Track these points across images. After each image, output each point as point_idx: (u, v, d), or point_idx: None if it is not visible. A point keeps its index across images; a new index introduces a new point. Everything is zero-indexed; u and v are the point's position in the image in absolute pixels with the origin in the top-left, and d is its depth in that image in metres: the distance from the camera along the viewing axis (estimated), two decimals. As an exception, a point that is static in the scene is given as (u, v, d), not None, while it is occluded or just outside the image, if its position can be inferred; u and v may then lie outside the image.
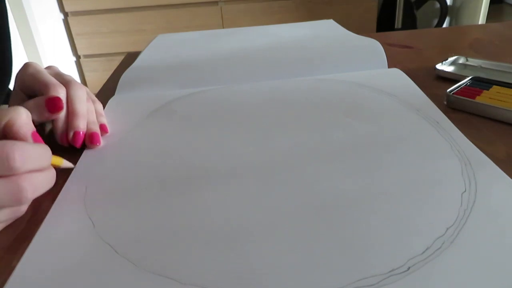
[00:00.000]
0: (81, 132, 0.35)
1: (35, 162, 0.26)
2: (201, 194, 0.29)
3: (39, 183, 0.26)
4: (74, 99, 0.36)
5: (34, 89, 0.36)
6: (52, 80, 0.35)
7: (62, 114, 0.35)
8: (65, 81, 0.36)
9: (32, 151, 0.26)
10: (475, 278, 0.21)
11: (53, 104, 0.34)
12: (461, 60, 0.51)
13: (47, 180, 0.28)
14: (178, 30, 1.72)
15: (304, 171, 0.31)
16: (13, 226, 0.28)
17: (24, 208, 0.28)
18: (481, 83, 0.42)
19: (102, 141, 0.37)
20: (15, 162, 0.24)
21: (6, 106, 0.28)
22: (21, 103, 0.35)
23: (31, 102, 0.34)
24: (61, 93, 0.35)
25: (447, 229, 0.24)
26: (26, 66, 0.37)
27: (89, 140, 0.36)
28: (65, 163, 0.32)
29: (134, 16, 1.71)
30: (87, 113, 0.37)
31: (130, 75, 0.50)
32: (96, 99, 0.42)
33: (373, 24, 1.78)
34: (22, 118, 0.29)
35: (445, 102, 0.40)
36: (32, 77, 0.36)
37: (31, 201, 0.27)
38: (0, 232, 0.27)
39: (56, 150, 0.32)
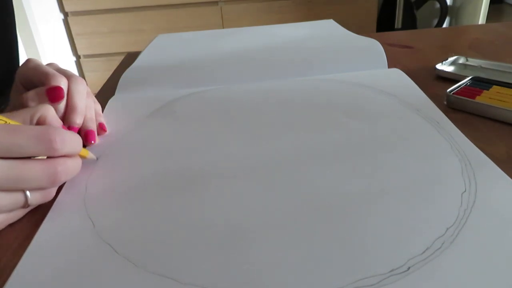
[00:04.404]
0: (76, 128, 0.35)
1: (70, 147, 0.28)
2: (201, 193, 0.29)
3: (71, 167, 0.28)
4: (73, 93, 0.35)
5: (35, 81, 0.35)
6: (53, 71, 0.35)
7: (60, 107, 0.34)
8: (66, 75, 0.36)
9: (69, 137, 0.28)
10: (475, 278, 0.21)
11: (54, 93, 0.33)
12: (461, 60, 0.51)
13: (76, 166, 0.29)
14: (178, 30, 1.72)
15: (304, 171, 0.31)
16: (13, 225, 0.28)
17: (53, 192, 0.29)
18: (481, 83, 0.42)
19: (102, 141, 0.37)
20: (57, 144, 0.26)
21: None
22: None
23: (32, 91, 0.34)
24: (62, 83, 0.34)
25: (447, 229, 0.24)
26: (27, 61, 0.36)
27: (84, 138, 0.36)
28: (90, 155, 0.33)
29: (134, 16, 1.71)
30: (86, 109, 0.37)
31: (130, 75, 0.50)
32: (95, 99, 0.41)
33: (373, 24, 1.78)
34: (51, 113, 0.31)
35: (445, 102, 0.40)
36: (33, 70, 0.35)
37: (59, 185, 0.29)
38: (0, 232, 0.27)
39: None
